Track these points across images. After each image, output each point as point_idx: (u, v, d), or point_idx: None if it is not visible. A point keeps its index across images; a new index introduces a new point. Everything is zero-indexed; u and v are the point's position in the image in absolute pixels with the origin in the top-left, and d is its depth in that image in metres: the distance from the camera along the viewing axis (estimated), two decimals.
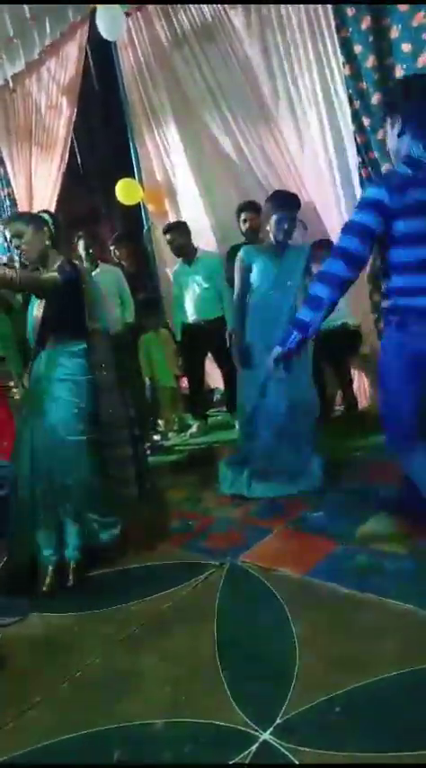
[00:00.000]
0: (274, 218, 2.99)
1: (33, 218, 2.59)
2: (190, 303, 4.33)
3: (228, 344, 4.22)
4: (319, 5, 3.54)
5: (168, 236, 4.33)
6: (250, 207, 4.07)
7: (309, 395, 3.05)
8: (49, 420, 2.47)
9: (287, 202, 3.02)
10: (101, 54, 4.91)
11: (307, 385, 3.05)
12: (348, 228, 2.02)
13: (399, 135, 1.98)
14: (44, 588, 2.40)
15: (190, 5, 4.21)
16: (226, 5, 3.96)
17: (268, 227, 3.04)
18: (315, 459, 3.05)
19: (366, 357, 3.93)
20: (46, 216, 2.62)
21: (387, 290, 2.08)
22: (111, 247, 4.67)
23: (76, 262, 2.62)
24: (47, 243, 2.54)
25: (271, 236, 3.03)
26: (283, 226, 2.98)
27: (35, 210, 5.42)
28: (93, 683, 1.83)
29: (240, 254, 3.17)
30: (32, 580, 2.46)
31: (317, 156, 3.84)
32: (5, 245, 5.95)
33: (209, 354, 4.50)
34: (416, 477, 2.20)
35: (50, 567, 2.44)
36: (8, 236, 2.59)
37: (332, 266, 2.03)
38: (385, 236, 1.98)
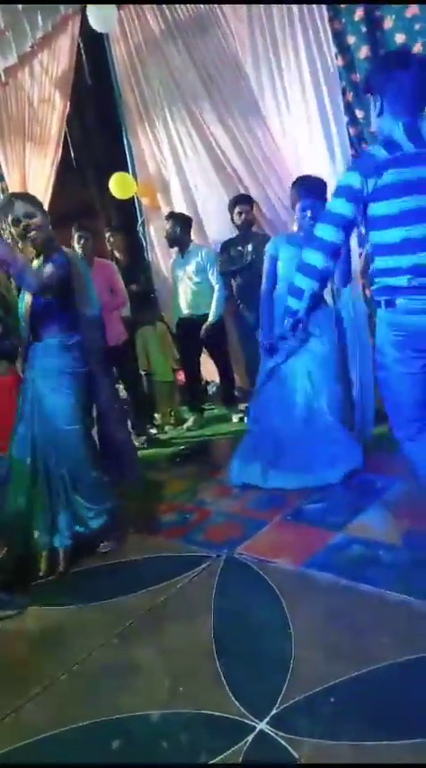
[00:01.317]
0: (299, 204, 2.96)
1: (39, 202, 2.57)
2: (183, 297, 4.35)
3: (205, 338, 4.22)
4: None
5: (168, 224, 4.32)
6: (244, 200, 4.07)
7: (328, 386, 3.01)
8: (48, 410, 2.49)
9: (313, 188, 2.95)
10: (93, 46, 4.86)
11: (328, 377, 3.01)
12: (323, 218, 2.04)
13: (378, 115, 1.94)
14: (40, 573, 2.44)
15: None
16: None
17: (294, 215, 3.03)
18: (352, 448, 2.95)
19: None
20: None
21: (373, 272, 2.07)
22: (107, 234, 4.63)
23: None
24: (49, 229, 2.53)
25: (296, 224, 3.01)
26: (306, 213, 2.94)
27: None
28: (90, 675, 1.84)
29: (268, 244, 3.17)
30: (31, 567, 2.49)
31: (311, 149, 3.82)
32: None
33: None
34: (416, 459, 2.17)
35: (44, 553, 2.48)
36: (15, 215, 2.43)
37: (310, 258, 2.07)
38: (365, 219, 1.98)
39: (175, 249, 4.41)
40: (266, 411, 3.14)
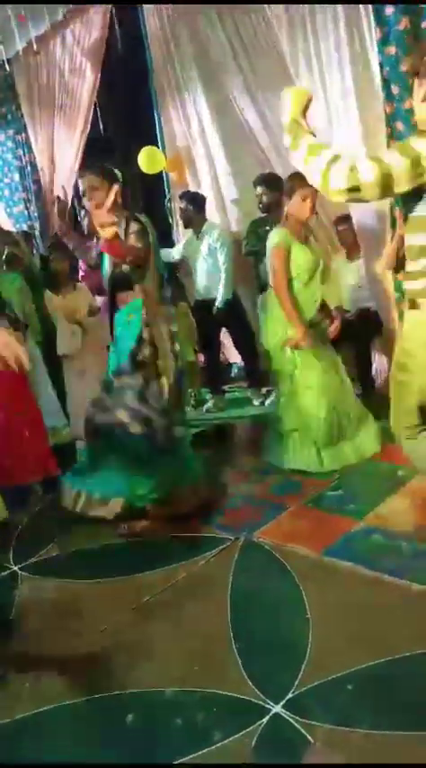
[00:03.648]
0: (298, 194, 2.86)
1: (109, 172, 2.53)
2: (199, 278, 4.30)
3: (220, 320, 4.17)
4: None
5: (182, 204, 4.27)
6: (261, 181, 3.95)
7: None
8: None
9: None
10: (127, 17, 4.76)
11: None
12: None
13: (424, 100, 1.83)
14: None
15: None
16: None
17: (289, 206, 2.91)
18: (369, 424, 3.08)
19: (386, 339, 3.86)
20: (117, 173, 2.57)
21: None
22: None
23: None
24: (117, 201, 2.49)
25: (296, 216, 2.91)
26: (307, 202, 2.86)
27: (56, 178, 5.42)
28: (106, 649, 1.86)
29: (275, 234, 2.94)
30: None
31: (345, 127, 3.71)
32: (26, 212, 5.92)
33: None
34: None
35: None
36: (81, 189, 2.50)
37: None
38: None
39: (191, 230, 4.35)
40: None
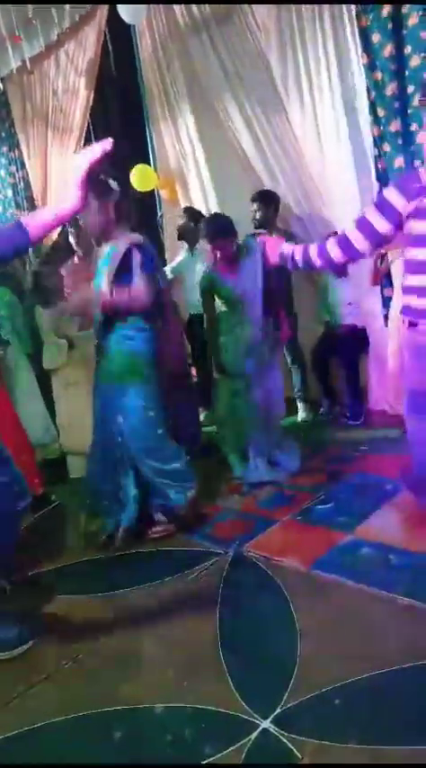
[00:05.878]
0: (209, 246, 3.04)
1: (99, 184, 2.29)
2: (193, 294, 4.32)
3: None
4: None
5: (183, 218, 4.31)
6: (259, 196, 4.00)
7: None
8: (132, 393, 2.52)
9: (222, 231, 3.01)
10: (120, 37, 4.84)
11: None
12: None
13: None
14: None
15: None
16: None
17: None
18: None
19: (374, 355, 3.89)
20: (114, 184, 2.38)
21: (402, 288, 2.21)
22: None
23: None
24: (112, 216, 2.37)
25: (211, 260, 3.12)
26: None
27: (49, 195, 5.47)
28: (95, 665, 1.85)
29: (204, 279, 3.19)
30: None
31: (334, 148, 3.79)
32: None
33: None
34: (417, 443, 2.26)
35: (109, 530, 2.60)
36: None
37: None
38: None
39: (185, 249, 4.40)
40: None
